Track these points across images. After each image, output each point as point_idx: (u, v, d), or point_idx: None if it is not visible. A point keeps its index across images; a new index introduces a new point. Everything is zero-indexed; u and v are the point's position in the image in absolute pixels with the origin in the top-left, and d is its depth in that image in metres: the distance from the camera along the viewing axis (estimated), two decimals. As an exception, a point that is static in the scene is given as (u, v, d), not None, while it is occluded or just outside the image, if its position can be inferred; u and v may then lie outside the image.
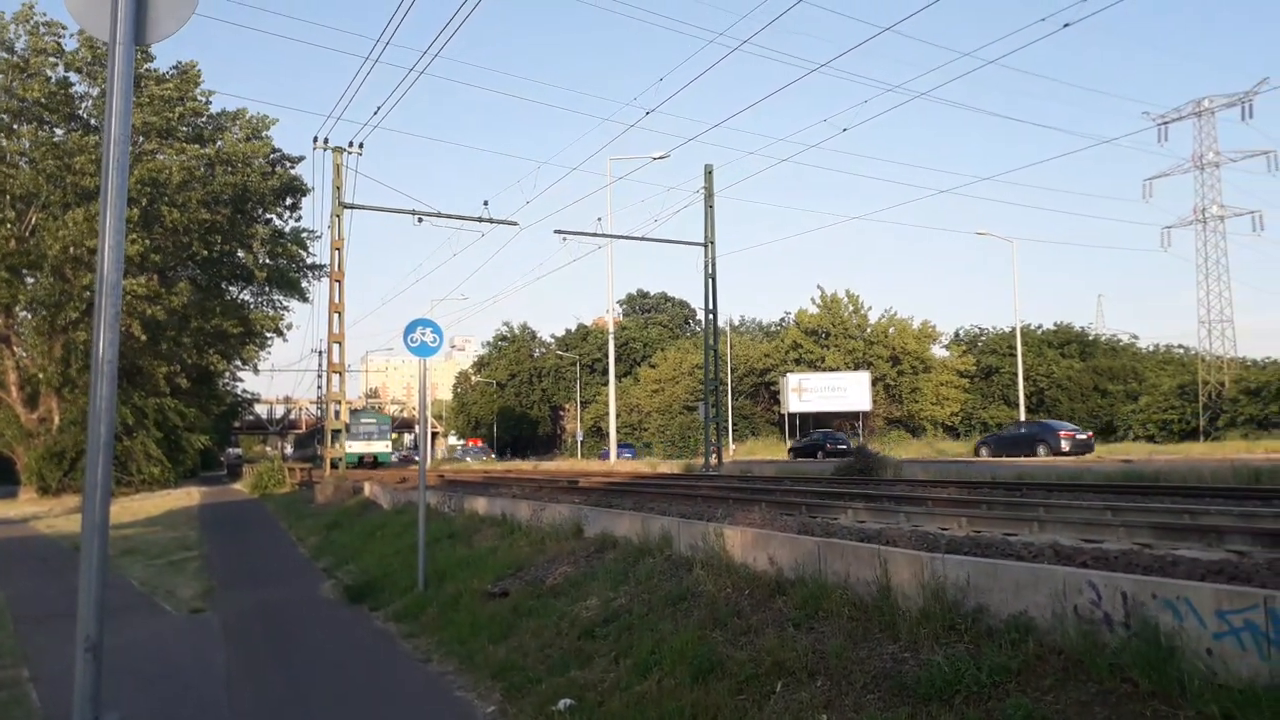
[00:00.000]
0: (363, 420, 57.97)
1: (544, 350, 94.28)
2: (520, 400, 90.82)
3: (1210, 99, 52.00)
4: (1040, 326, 69.15)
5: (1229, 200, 55.59)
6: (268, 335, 48.80)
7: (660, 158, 34.38)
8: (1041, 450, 32.94)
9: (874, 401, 62.74)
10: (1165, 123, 53.15)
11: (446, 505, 17.51)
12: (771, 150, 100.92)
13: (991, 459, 33.57)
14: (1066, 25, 15.68)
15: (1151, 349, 70.07)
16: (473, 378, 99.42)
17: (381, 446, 57.63)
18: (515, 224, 32.75)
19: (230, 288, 46.38)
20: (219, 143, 38.66)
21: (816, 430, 54.70)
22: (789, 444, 53.45)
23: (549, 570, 10.37)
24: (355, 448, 52.49)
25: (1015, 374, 48.53)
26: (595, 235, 34.22)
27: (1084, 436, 34.64)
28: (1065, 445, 32.60)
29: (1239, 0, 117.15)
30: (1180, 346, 67.86)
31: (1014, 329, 50.41)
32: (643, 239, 35.47)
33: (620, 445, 67.12)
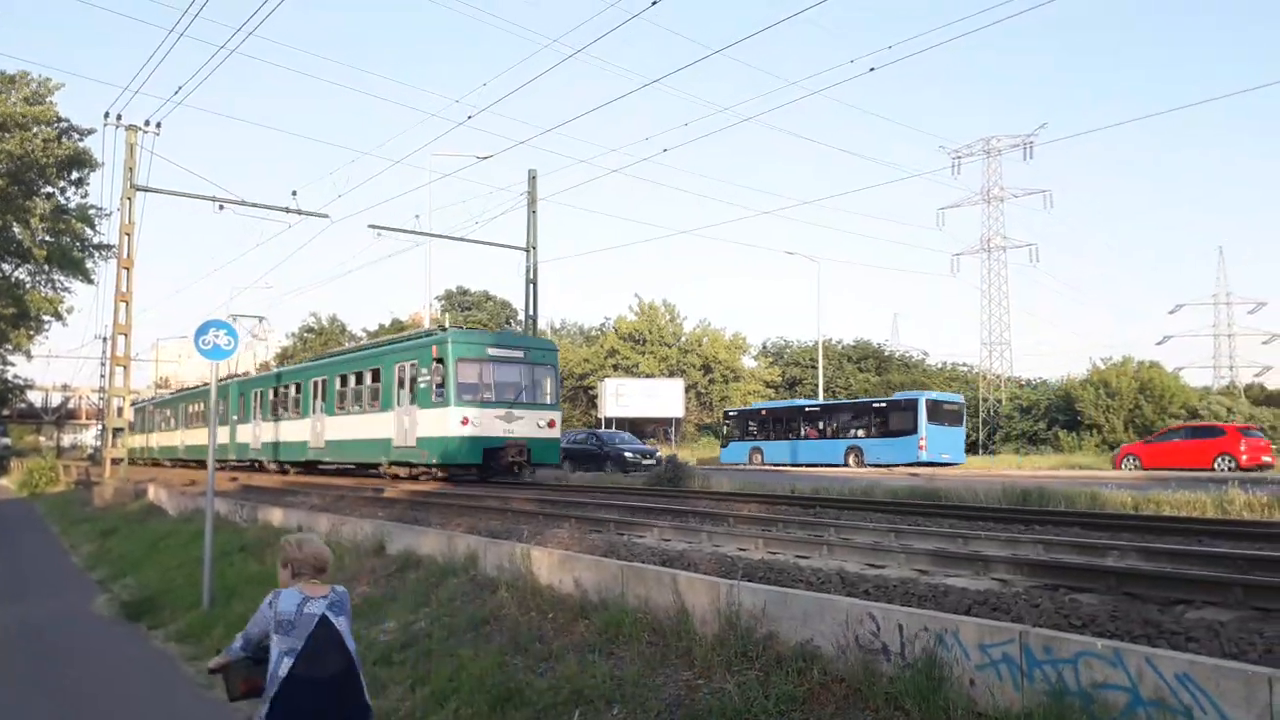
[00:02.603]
0: (490, 354, 23.27)
1: (354, 344, 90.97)
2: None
3: (998, 138, 56.52)
4: (841, 341, 72.79)
5: (1010, 233, 60.59)
6: (45, 319, 44.71)
7: (485, 158, 33.93)
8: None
9: (686, 408, 64.34)
10: (958, 158, 57.33)
11: (238, 515, 16.59)
12: (600, 160, 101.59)
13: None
14: (872, 69, 16.62)
15: (939, 366, 75.16)
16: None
17: (539, 425, 23.46)
18: (326, 216, 31.24)
19: (3, 265, 42.20)
20: (-6, 106, 35.08)
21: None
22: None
23: (347, 590, 10.00)
24: (477, 423, 21.98)
25: (817, 385, 50.94)
26: (412, 233, 33.28)
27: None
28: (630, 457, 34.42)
29: (1023, 48, 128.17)
30: (964, 365, 73.09)
31: (817, 343, 52.94)
32: (462, 240, 34.62)
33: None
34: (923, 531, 9.90)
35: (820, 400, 48.66)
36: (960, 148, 57.60)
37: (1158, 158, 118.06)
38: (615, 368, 69.51)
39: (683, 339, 70.72)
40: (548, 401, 24.02)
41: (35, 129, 36.00)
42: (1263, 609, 5.98)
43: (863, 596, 6.63)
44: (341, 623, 4.17)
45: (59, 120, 37.89)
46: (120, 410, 31.42)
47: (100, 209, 42.88)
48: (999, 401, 57.65)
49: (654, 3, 16.06)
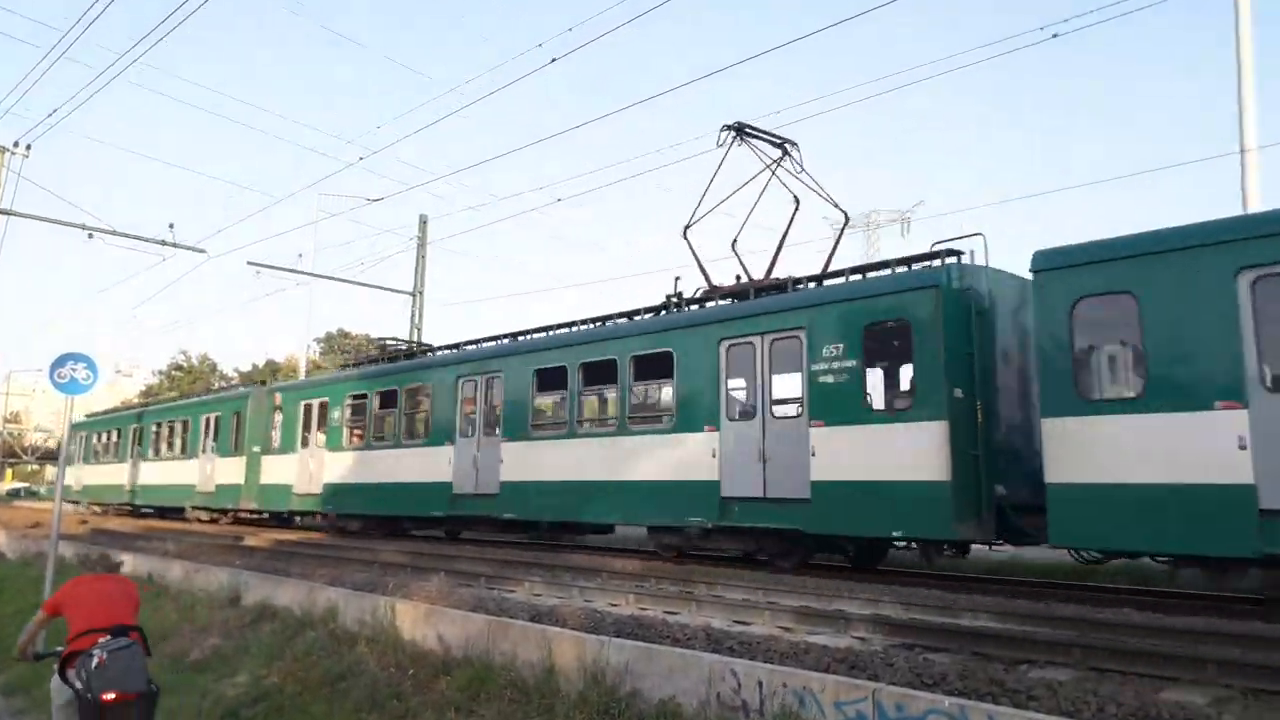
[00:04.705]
0: None
1: (225, 384, 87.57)
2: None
3: (878, 213, 58.99)
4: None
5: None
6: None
7: (375, 200, 33.43)
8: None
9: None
10: (841, 230, 59.46)
11: (86, 560, 15.58)
12: (492, 208, 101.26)
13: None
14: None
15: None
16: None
17: None
18: (203, 251, 30.24)
19: None
20: None
21: None
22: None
23: (196, 641, 9.52)
24: None
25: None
26: (293, 271, 32.51)
27: None
28: None
29: (902, 125, 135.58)
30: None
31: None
32: (346, 281, 34.00)
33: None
34: (790, 589, 10.05)
35: None
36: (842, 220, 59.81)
37: (1031, 237, 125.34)
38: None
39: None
40: None
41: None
42: (1099, 669, 6.29)
43: (727, 653, 6.67)
44: None
45: (-88, 134, 35.68)
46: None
47: (-47, 231, 40.36)
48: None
49: (553, 60, 16.54)
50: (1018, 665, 6.47)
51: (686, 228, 14.95)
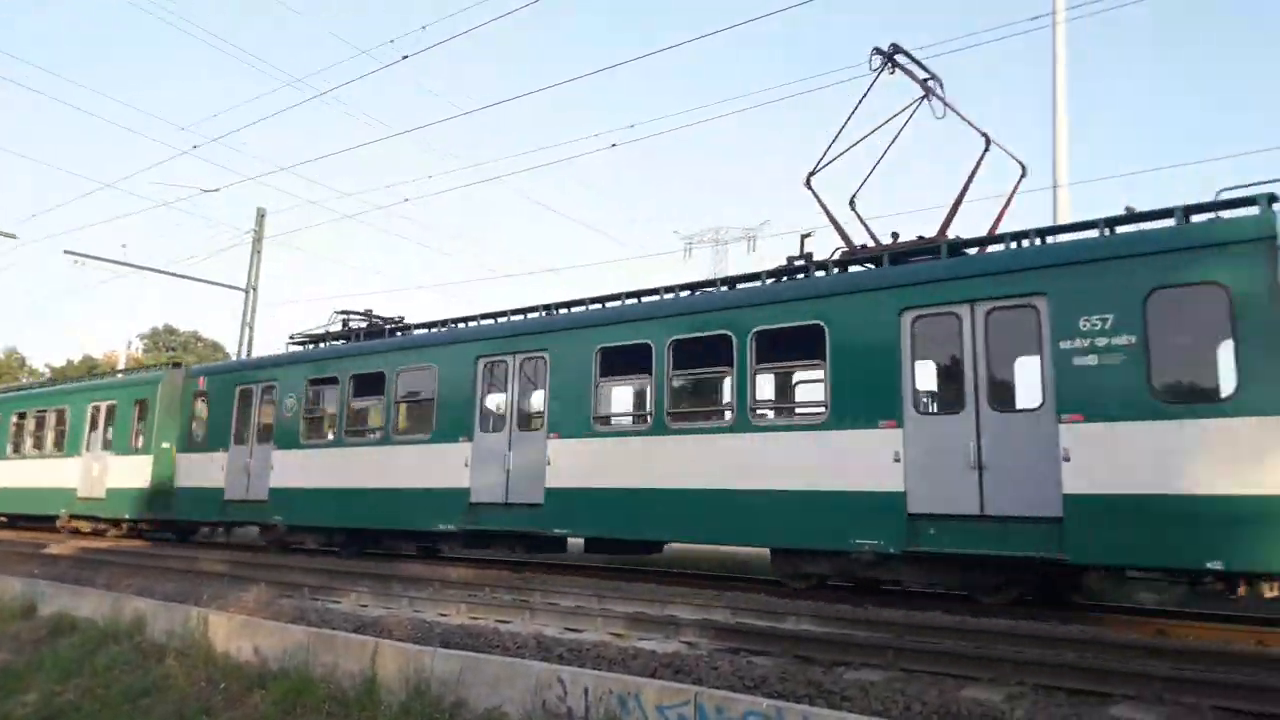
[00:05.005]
0: None
1: (34, 381, 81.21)
2: (-4, 437, 76.34)
3: (726, 229, 60.40)
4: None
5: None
6: None
7: (210, 191, 31.86)
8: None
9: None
10: (690, 244, 60.58)
11: None
12: (335, 204, 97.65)
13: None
14: (614, 145, 17.39)
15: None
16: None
17: None
18: (14, 236, 28.24)
19: None
20: None
21: None
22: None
23: (-19, 658, 8.74)
24: None
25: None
26: (117, 263, 30.51)
27: None
28: None
29: (742, 148, 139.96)
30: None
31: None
32: (175, 275, 32.18)
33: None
34: (625, 595, 10.11)
35: None
36: (692, 234, 60.91)
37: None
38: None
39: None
40: None
41: None
42: (909, 670, 6.60)
43: (556, 660, 6.65)
44: None
45: None
46: None
47: None
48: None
49: (405, 58, 16.15)
50: (835, 667, 6.71)
51: (811, 175, 12.15)
